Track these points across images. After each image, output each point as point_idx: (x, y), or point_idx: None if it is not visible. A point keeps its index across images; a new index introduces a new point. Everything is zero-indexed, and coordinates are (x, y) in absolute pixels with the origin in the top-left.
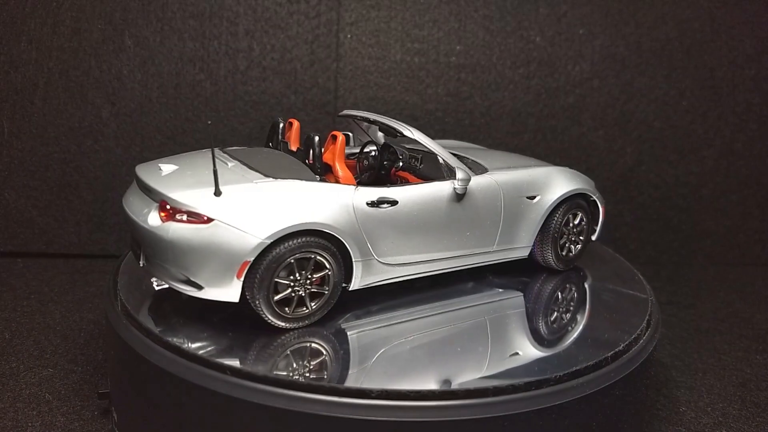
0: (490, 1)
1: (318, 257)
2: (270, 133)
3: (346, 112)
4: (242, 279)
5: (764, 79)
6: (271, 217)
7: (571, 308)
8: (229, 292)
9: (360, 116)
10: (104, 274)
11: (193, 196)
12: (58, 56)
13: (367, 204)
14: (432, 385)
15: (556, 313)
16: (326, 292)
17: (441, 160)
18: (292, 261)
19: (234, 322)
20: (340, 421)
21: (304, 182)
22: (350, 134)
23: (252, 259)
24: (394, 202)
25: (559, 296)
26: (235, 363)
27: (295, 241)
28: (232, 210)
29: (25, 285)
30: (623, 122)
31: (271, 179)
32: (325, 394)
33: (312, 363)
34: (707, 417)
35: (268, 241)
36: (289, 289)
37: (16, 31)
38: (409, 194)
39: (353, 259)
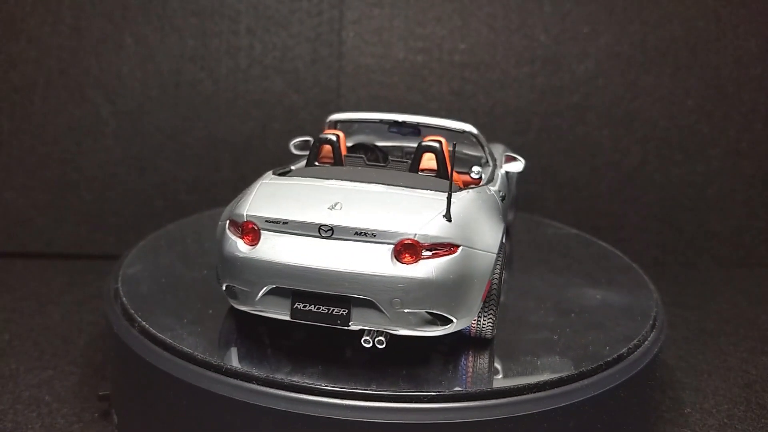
0: None
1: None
2: (314, 151)
3: (334, 117)
4: (483, 300)
5: None
6: (491, 230)
7: (576, 309)
8: (473, 317)
9: (349, 119)
10: (104, 275)
11: (437, 227)
12: (57, 55)
13: (501, 200)
14: (435, 388)
15: (560, 314)
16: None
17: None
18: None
19: (234, 324)
20: (343, 423)
21: (480, 189)
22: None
23: (493, 277)
24: (503, 197)
25: (564, 297)
26: (236, 365)
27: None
28: (465, 231)
29: (24, 286)
30: (628, 121)
31: (460, 192)
32: (325, 397)
33: (314, 365)
34: (713, 418)
35: (496, 253)
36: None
37: (16, 30)
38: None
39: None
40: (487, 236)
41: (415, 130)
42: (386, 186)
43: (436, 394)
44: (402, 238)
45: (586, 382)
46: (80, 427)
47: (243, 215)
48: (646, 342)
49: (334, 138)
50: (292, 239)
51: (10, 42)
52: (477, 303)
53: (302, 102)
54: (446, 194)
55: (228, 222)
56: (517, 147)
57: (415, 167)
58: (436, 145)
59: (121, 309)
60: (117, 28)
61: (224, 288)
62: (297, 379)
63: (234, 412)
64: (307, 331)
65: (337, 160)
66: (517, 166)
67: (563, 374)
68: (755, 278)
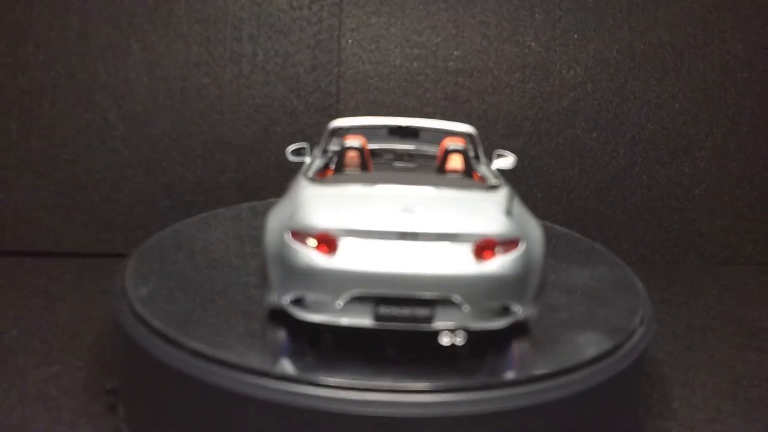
0: (487, 7)
1: None
2: (342, 157)
3: (336, 124)
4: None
5: (756, 82)
6: (533, 221)
7: (564, 305)
8: (531, 305)
9: (351, 126)
10: (111, 273)
11: (506, 224)
12: (65, 60)
13: None
14: (427, 381)
15: (548, 311)
16: None
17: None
18: None
19: (240, 318)
20: (341, 417)
21: (504, 185)
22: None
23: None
24: None
25: (552, 293)
26: (241, 359)
27: None
28: (521, 226)
29: (33, 284)
30: (616, 124)
31: (499, 190)
32: (329, 389)
33: (320, 359)
34: (700, 412)
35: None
36: None
37: (24, 35)
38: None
39: None
40: (533, 227)
41: (414, 133)
42: (436, 188)
43: (429, 387)
44: (480, 236)
45: (574, 377)
46: (86, 420)
47: (316, 226)
48: (634, 337)
49: (358, 144)
50: (373, 245)
51: (19, 47)
52: (534, 291)
53: (303, 106)
54: (496, 192)
55: (290, 233)
56: (508, 150)
57: (442, 168)
58: (462, 146)
59: (127, 305)
60: (123, 35)
61: (287, 301)
62: (302, 374)
63: (239, 405)
64: (316, 327)
65: (363, 164)
66: (508, 161)
67: (552, 369)
68: (741, 276)
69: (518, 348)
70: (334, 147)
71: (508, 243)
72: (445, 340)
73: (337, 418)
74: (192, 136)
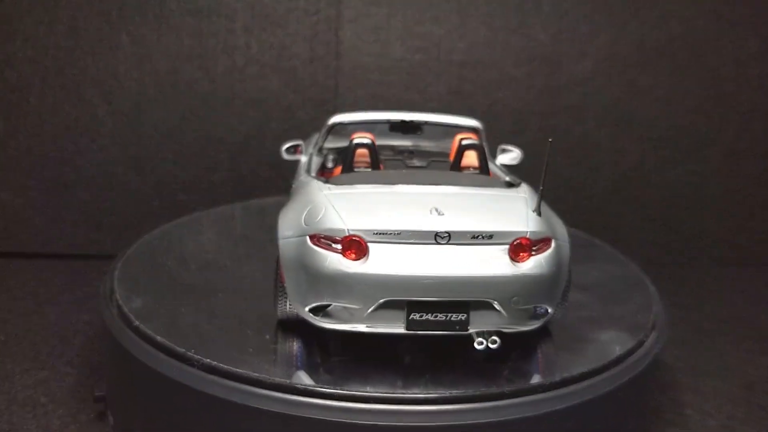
0: None
1: None
2: (351, 155)
3: (337, 119)
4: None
5: None
6: (558, 220)
7: (575, 310)
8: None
9: (351, 121)
10: (101, 275)
11: (539, 223)
12: (54, 54)
13: None
14: (434, 390)
15: (559, 316)
16: None
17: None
18: None
19: (233, 324)
20: (340, 426)
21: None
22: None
23: None
24: None
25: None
26: (232, 366)
27: None
28: (550, 225)
29: (21, 286)
30: (626, 121)
31: (521, 188)
32: (321, 399)
33: (310, 366)
34: (713, 419)
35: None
36: None
37: (12, 30)
38: None
39: None
40: (559, 225)
41: (417, 128)
42: (458, 187)
43: (435, 396)
44: (516, 237)
45: (585, 383)
46: (76, 427)
47: (344, 229)
48: (646, 343)
49: (369, 141)
50: (405, 249)
51: (6, 42)
52: (562, 291)
53: (299, 101)
54: (518, 190)
55: (312, 238)
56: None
57: (456, 165)
58: (477, 142)
59: (117, 309)
60: (113, 28)
61: (309, 309)
62: (291, 380)
63: (229, 412)
64: (308, 334)
65: (374, 162)
66: (513, 157)
67: (562, 376)
68: (753, 278)
69: (526, 355)
70: (329, 144)
71: (541, 242)
72: (479, 345)
73: (335, 427)
74: (184, 132)
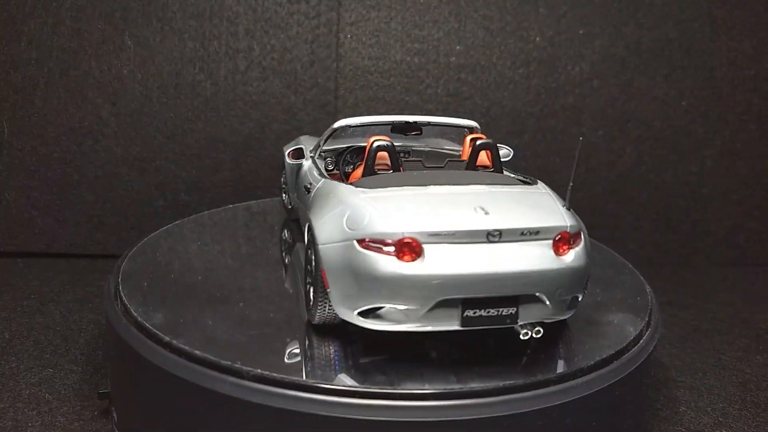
0: (490, 1)
1: None
2: (372, 158)
3: (341, 123)
4: None
5: (764, 79)
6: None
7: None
8: None
9: (357, 124)
10: (104, 274)
11: (573, 218)
12: (58, 56)
13: None
14: (432, 386)
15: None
16: None
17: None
18: None
19: (236, 323)
20: (341, 421)
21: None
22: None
23: None
24: None
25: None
26: (236, 363)
27: None
28: (576, 217)
29: (26, 285)
30: (623, 122)
31: (539, 184)
32: (325, 395)
33: (315, 362)
34: (707, 417)
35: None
36: None
37: (16, 32)
38: None
39: None
40: (579, 220)
41: (418, 130)
42: (486, 186)
43: (432, 392)
44: (558, 231)
45: (581, 380)
46: (80, 425)
47: (398, 232)
48: (641, 341)
49: (389, 143)
50: (458, 249)
51: (11, 43)
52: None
53: (300, 103)
54: (539, 187)
55: (360, 242)
56: (513, 148)
57: (472, 165)
58: (491, 141)
59: (121, 307)
60: (117, 30)
61: (359, 312)
62: (294, 377)
63: (233, 409)
64: (310, 330)
65: (393, 164)
66: (504, 153)
67: (558, 372)
68: (749, 277)
69: (522, 351)
70: (327, 146)
71: (576, 235)
72: (524, 336)
73: (336, 423)
74: (186, 133)
